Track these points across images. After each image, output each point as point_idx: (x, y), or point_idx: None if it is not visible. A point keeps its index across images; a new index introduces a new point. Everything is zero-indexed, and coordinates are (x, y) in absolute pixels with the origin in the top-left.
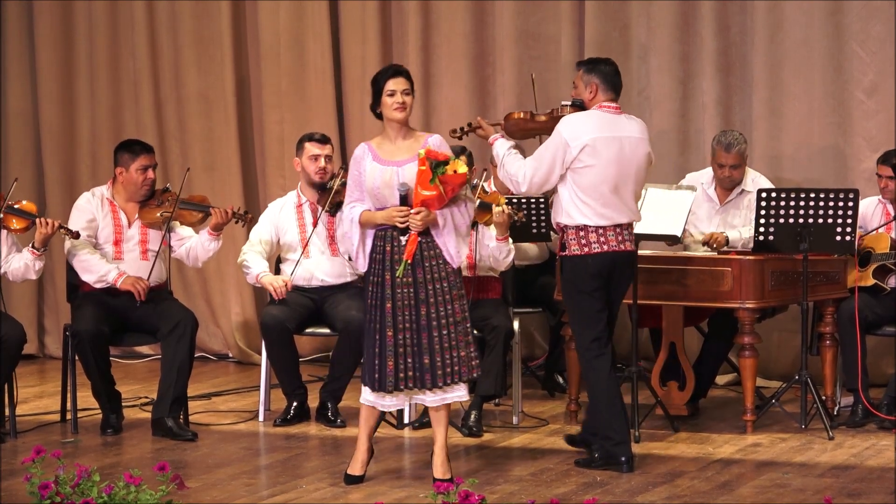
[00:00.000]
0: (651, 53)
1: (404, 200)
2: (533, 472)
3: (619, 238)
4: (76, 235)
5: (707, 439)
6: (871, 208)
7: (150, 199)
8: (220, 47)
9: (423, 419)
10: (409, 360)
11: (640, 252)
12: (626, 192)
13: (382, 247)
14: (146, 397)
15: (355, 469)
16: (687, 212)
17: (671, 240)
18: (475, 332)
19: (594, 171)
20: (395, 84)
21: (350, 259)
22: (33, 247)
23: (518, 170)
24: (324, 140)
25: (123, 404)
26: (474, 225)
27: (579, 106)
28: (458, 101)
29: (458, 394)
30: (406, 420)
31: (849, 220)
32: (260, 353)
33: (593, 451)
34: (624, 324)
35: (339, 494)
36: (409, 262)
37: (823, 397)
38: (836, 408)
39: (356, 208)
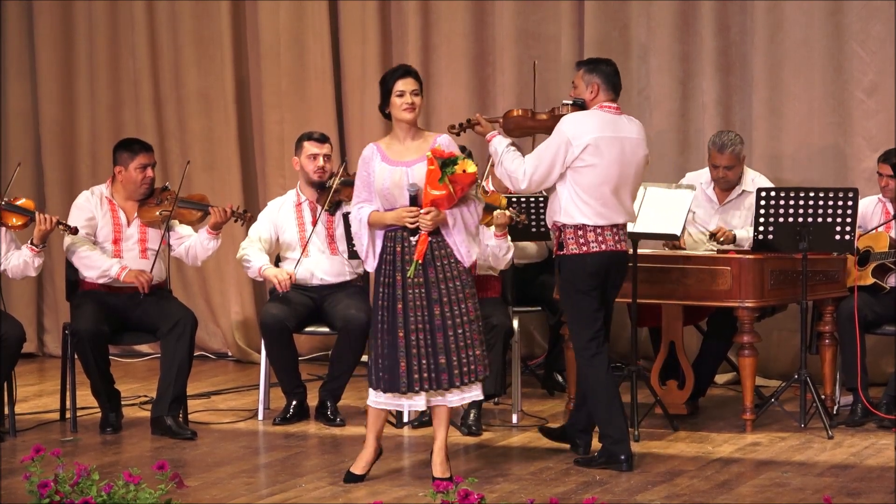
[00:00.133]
0: (651, 53)
1: (414, 201)
2: (532, 471)
3: (616, 238)
4: (74, 231)
5: (706, 438)
6: (870, 207)
7: (149, 197)
8: (220, 47)
9: (422, 418)
10: (424, 361)
11: (639, 251)
12: (624, 193)
13: (393, 247)
14: (145, 396)
15: (358, 468)
16: (686, 211)
17: (670, 239)
18: None
19: (595, 170)
20: (404, 84)
21: (349, 258)
22: (32, 243)
23: (517, 167)
24: (322, 139)
25: (123, 403)
26: None
27: (580, 105)
28: (458, 101)
29: (476, 393)
30: (405, 419)
31: (848, 220)
32: (259, 352)
33: (578, 447)
34: (623, 323)
35: (338, 493)
36: (419, 262)
37: (823, 396)
38: (836, 407)
39: (364, 209)
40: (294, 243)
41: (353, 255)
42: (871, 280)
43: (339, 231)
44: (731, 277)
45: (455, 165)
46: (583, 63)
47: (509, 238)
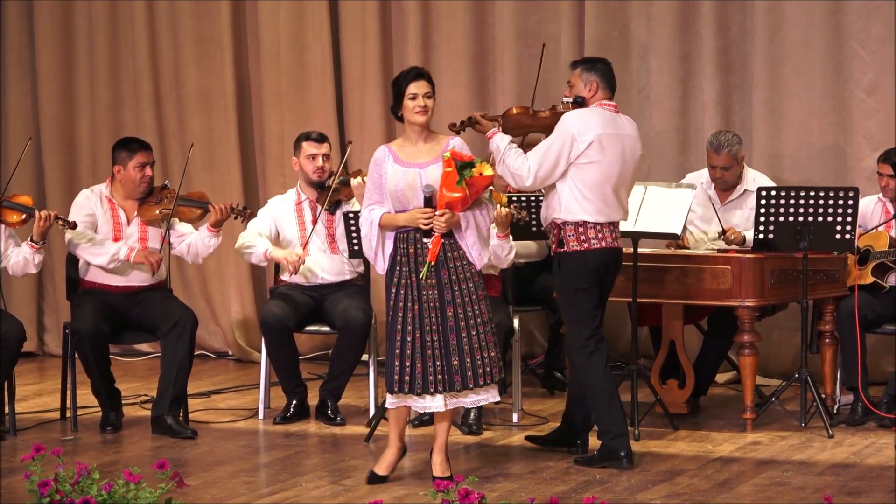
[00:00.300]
0: (651, 53)
1: (428, 202)
2: (532, 470)
3: (613, 235)
4: (73, 226)
5: (707, 437)
6: (870, 207)
7: (148, 196)
8: (220, 47)
9: (422, 417)
10: (438, 363)
11: (640, 251)
12: (623, 191)
13: (406, 249)
14: (146, 395)
15: (381, 468)
16: (687, 210)
17: (671, 238)
18: None
19: (598, 167)
20: (416, 87)
21: (349, 257)
22: (31, 240)
23: (521, 164)
24: (320, 139)
25: (123, 402)
26: None
27: (581, 103)
28: (458, 101)
29: (493, 394)
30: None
31: (848, 219)
32: (259, 351)
33: (577, 448)
34: (623, 322)
35: (338, 492)
36: (432, 263)
37: (823, 395)
38: (836, 406)
39: (375, 211)
40: (294, 242)
41: (353, 254)
42: (871, 279)
43: (340, 230)
44: (731, 276)
45: (472, 168)
46: (579, 62)
47: (511, 238)
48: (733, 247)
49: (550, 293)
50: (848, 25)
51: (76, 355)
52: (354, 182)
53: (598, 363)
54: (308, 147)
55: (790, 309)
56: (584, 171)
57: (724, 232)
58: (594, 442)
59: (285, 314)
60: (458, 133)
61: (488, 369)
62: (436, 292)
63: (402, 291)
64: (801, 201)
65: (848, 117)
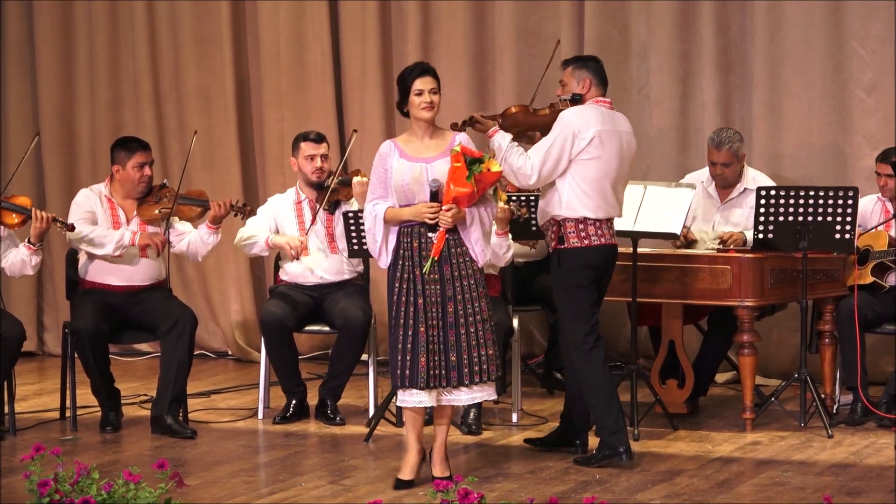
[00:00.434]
0: (651, 52)
1: (434, 196)
2: (532, 469)
3: (611, 232)
4: (71, 228)
5: (706, 437)
6: (870, 206)
7: (147, 195)
8: (220, 46)
9: None
10: (437, 358)
11: (639, 250)
12: (619, 188)
13: (410, 243)
14: (145, 395)
15: (405, 473)
16: (686, 210)
17: (670, 238)
18: None
19: (598, 163)
20: (422, 83)
21: (348, 257)
22: (29, 241)
23: (525, 162)
24: (319, 139)
25: (122, 402)
26: None
27: (578, 101)
28: (458, 100)
29: (488, 392)
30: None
31: (848, 218)
32: (259, 351)
33: (577, 447)
34: (623, 322)
35: (338, 492)
36: (436, 258)
37: (823, 395)
38: (836, 406)
39: (380, 206)
40: (303, 240)
41: (352, 253)
42: (870, 279)
43: (339, 229)
44: (731, 276)
45: (481, 164)
46: (570, 61)
47: (510, 236)
48: (732, 246)
49: (550, 293)
50: (848, 25)
51: (76, 355)
52: (355, 180)
53: (597, 359)
54: (306, 148)
55: (790, 309)
56: (585, 167)
57: (723, 242)
58: (593, 441)
59: (285, 314)
60: (459, 132)
61: (485, 367)
62: (438, 287)
63: (405, 286)
64: (801, 201)
65: (848, 117)
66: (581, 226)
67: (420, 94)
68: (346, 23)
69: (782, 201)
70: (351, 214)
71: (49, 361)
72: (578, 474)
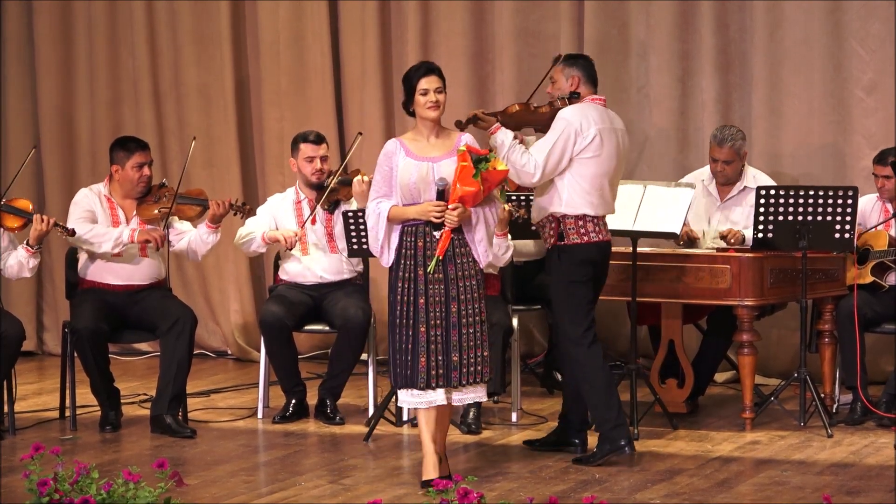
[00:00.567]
0: (650, 51)
1: (441, 195)
2: (532, 469)
3: (606, 228)
4: (72, 233)
5: (706, 437)
6: (869, 206)
7: (146, 195)
8: (220, 46)
9: None
10: (440, 358)
11: (639, 249)
12: (615, 185)
13: (414, 242)
14: (145, 394)
15: (428, 473)
16: (686, 209)
17: (669, 238)
18: None
19: (598, 161)
20: (427, 83)
21: (348, 256)
22: (28, 244)
23: (528, 161)
24: (318, 140)
25: (122, 401)
26: None
27: (577, 98)
28: (457, 100)
29: (480, 394)
30: (405, 417)
31: (848, 218)
32: (259, 351)
33: (576, 447)
34: (623, 321)
35: (337, 492)
36: (440, 258)
37: (822, 395)
38: (835, 405)
39: (383, 203)
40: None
41: (352, 253)
42: (870, 278)
43: (339, 229)
44: (730, 276)
45: (488, 163)
46: (560, 58)
47: (509, 237)
48: (733, 246)
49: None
50: (847, 24)
51: (75, 354)
52: (356, 179)
53: (597, 354)
54: (306, 149)
55: (789, 308)
56: (586, 165)
57: (723, 237)
58: (592, 441)
59: (284, 313)
60: (462, 129)
61: (480, 368)
62: (442, 287)
63: (407, 285)
64: (801, 200)
65: (847, 116)
66: (580, 222)
67: (425, 93)
68: (345, 22)
69: (782, 201)
70: (350, 214)
71: (49, 361)
72: (578, 473)
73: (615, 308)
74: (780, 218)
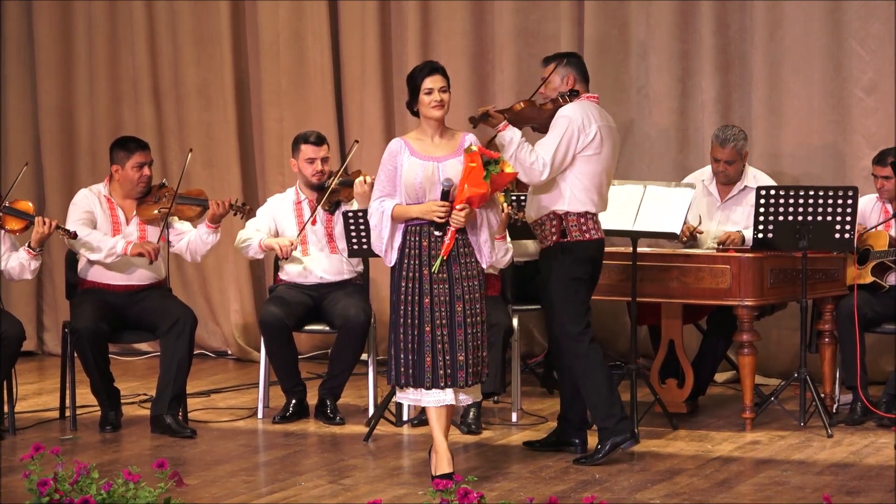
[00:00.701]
0: (650, 51)
1: (445, 196)
2: (532, 469)
3: (600, 226)
4: (73, 236)
5: (706, 437)
6: (869, 206)
7: (146, 195)
8: (220, 45)
9: (422, 416)
10: (447, 357)
11: (639, 249)
12: (610, 183)
13: (418, 241)
14: (145, 394)
15: (444, 469)
16: (686, 209)
17: (669, 238)
18: None
19: (599, 158)
20: (432, 82)
21: (348, 256)
22: (29, 246)
23: (536, 158)
24: (319, 142)
25: (122, 401)
26: None
27: (576, 96)
28: (457, 99)
29: (475, 394)
30: (405, 417)
31: (848, 218)
32: (259, 351)
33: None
34: (623, 321)
35: (337, 492)
36: (444, 258)
37: (822, 395)
38: (835, 405)
39: (387, 202)
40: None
41: (352, 253)
42: (870, 278)
43: (339, 229)
44: (730, 276)
45: (496, 165)
46: (551, 58)
47: (509, 240)
48: (732, 247)
49: None
50: (847, 24)
51: (75, 354)
52: (357, 180)
53: (597, 350)
54: (307, 150)
55: (789, 308)
56: (587, 162)
57: (722, 243)
58: (592, 441)
59: (284, 313)
60: (474, 126)
61: (480, 368)
62: (447, 287)
63: (412, 285)
64: (801, 200)
65: (847, 116)
66: (583, 220)
67: (430, 92)
68: (345, 22)
69: (782, 201)
70: (351, 214)
71: (49, 361)
72: (578, 474)
73: (615, 308)
74: (781, 218)
